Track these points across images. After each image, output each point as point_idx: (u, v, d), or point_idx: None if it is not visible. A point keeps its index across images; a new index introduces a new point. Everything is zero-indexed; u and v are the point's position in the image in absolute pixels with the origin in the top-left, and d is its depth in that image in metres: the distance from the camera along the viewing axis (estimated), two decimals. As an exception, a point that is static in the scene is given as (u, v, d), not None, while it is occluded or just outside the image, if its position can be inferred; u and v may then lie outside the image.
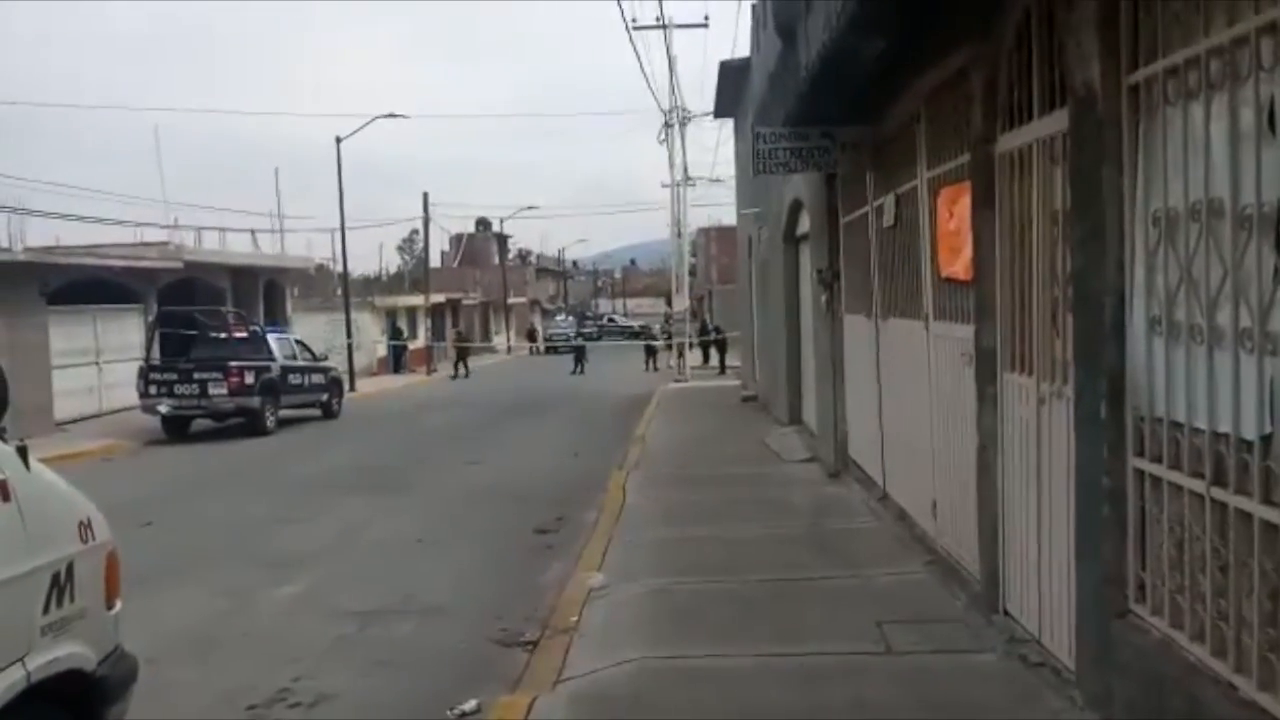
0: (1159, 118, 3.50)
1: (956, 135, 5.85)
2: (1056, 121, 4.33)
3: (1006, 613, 5.18)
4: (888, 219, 7.60)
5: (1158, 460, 3.54)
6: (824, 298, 10.31)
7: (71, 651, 3.07)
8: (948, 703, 4.43)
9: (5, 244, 20.81)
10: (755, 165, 8.76)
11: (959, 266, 5.80)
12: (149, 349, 18.55)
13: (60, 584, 3.05)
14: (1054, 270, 4.50)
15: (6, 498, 2.86)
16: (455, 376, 32.66)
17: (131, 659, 3.53)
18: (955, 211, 5.85)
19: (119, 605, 3.49)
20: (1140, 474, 3.67)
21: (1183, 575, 3.40)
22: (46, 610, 2.98)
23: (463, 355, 34.27)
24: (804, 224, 12.46)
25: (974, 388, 5.49)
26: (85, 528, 3.29)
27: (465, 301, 49.77)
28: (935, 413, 6.51)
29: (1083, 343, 4.05)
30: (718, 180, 33.77)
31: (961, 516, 5.94)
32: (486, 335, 53.81)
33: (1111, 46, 3.70)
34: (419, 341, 38.02)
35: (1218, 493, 3.16)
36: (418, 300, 40.65)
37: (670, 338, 30.98)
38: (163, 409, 17.47)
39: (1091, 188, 3.86)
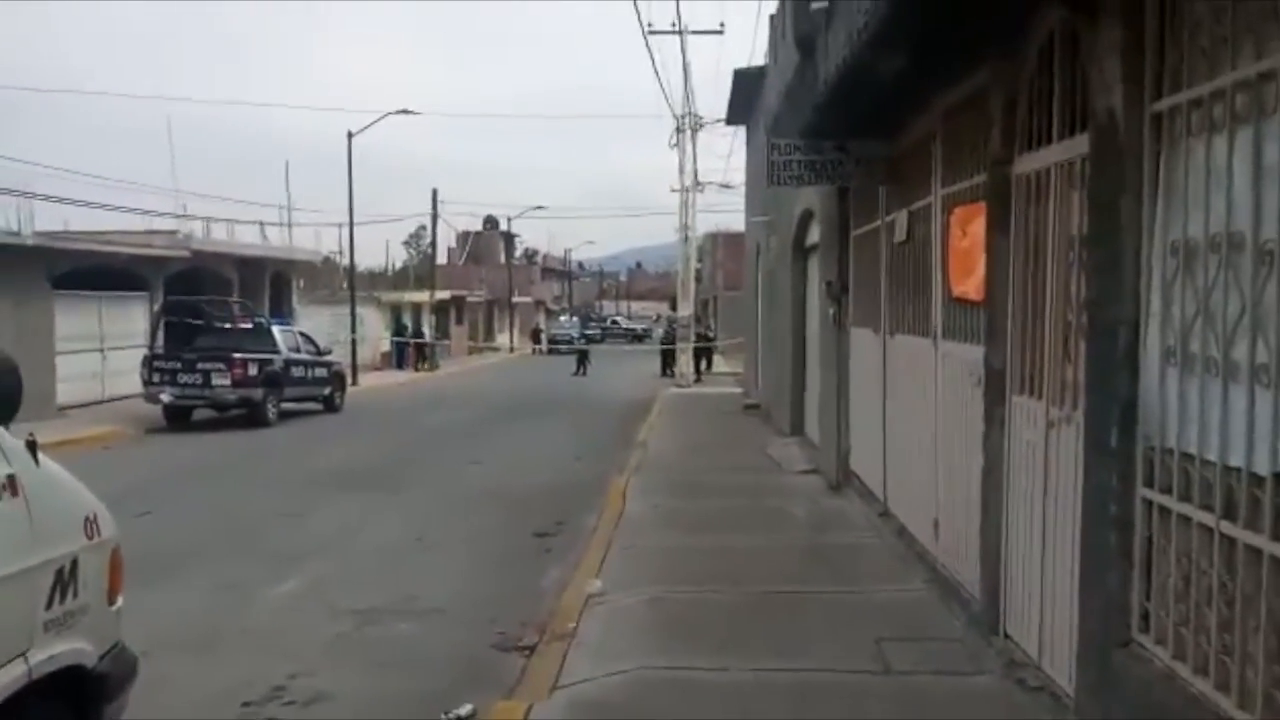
0: (1181, 148, 3.48)
1: (973, 154, 5.84)
2: (1077, 146, 4.32)
3: (1006, 635, 5.17)
4: (899, 235, 7.59)
5: (1167, 491, 3.52)
6: (832, 310, 10.29)
7: (73, 647, 3.06)
8: (946, 726, 4.42)
9: (14, 228, 20.83)
10: (769, 176, 8.74)
11: (970, 286, 5.79)
12: (154, 337, 18.58)
13: (64, 580, 3.04)
14: (1068, 295, 4.48)
15: (15, 493, 2.86)
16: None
17: (131, 655, 3.52)
18: (969, 231, 5.83)
19: (120, 601, 3.48)
20: (1149, 504, 3.66)
21: (1188, 607, 3.38)
22: (50, 606, 2.97)
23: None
24: (814, 235, 12.44)
25: (982, 408, 5.47)
26: (91, 524, 3.28)
27: (470, 299, 49.73)
28: (941, 431, 6.50)
29: (1095, 369, 4.03)
30: (727, 186, 33.66)
31: (964, 536, 5.93)
32: (490, 334, 53.76)
33: (1136, 74, 3.68)
34: (423, 338, 38.11)
35: (1227, 527, 3.14)
36: (423, 296, 40.61)
37: (673, 342, 30.94)
38: (165, 397, 17.50)
39: (1110, 214, 3.84)
